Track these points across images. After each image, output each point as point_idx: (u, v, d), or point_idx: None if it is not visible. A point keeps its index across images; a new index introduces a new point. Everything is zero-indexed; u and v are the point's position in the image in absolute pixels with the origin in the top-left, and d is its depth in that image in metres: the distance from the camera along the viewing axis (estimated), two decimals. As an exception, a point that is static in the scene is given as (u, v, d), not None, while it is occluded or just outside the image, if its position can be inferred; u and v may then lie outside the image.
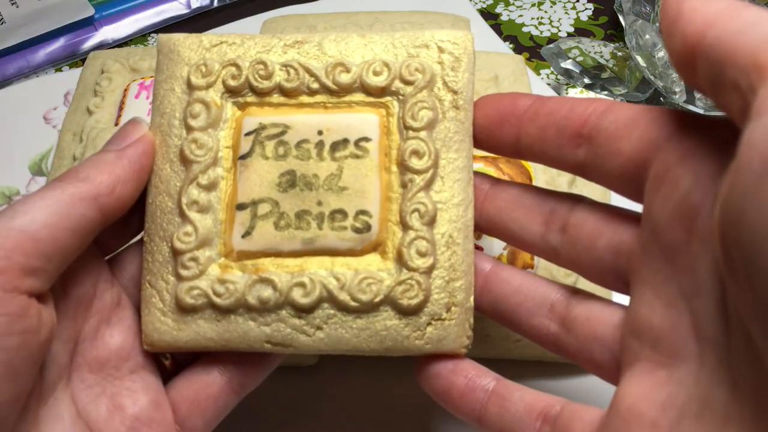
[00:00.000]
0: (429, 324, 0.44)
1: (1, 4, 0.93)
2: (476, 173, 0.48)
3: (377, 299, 0.44)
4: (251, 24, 0.89)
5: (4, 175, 0.76)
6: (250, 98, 0.47)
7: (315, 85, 0.47)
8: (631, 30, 0.78)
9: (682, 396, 0.37)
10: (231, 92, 0.47)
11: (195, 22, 0.96)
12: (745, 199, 0.30)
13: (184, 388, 0.46)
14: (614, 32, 0.93)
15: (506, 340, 0.60)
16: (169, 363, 0.48)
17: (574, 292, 0.46)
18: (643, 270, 0.41)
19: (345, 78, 0.46)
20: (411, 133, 0.45)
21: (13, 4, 0.93)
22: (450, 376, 0.46)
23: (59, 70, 0.91)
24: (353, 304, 0.44)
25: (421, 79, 0.46)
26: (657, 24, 0.81)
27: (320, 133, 0.46)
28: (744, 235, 0.30)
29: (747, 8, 0.34)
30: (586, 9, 0.96)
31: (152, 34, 0.95)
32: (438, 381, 0.46)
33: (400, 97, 0.46)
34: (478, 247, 0.60)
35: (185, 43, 0.48)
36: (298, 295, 0.44)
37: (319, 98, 0.47)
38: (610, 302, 0.45)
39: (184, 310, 0.45)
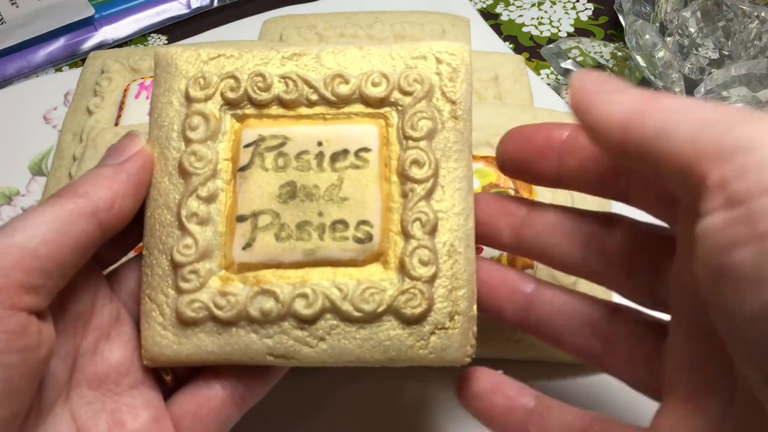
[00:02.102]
0: (432, 333, 0.44)
1: (1, 4, 0.93)
2: (512, 197, 0.48)
3: (380, 309, 0.44)
4: (251, 24, 0.89)
5: (4, 175, 0.76)
6: (249, 110, 0.47)
7: (314, 97, 0.46)
8: (631, 30, 0.78)
9: (710, 430, 0.37)
10: (230, 104, 0.47)
11: (195, 22, 0.96)
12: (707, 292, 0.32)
13: (185, 403, 0.46)
14: (614, 32, 0.92)
15: (506, 340, 0.60)
16: (170, 378, 0.48)
17: (615, 309, 0.46)
18: (678, 300, 0.41)
19: (344, 89, 0.46)
20: (411, 143, 0.45)
21: (13, 4, 0.93)
22: (489, 397, 0.46)
23: (59, 70, 0.91)
24: (356, 314, 0.44)
25: (420, 89, 0.46)
26: (657, 24, 0.81)
27: (320, 144, 0.46)
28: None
29: (658, 99, 0.35)
30: (586, 9, 0.96)
31: (152, 34, 0.95)
32: (478, 402, 0.47)
33: (399, 107, 0.46)
34: (478, 247, 0.60)
35: (183, 56, 0.48)
36: (300, 306, 0.44)
37: (318, 110, 0.47)
38: (651, 322, 0.45)
39: (184, 323, 0.45)
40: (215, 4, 0.97)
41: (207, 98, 0.46)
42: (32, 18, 0.92)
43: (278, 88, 0.47)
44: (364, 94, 0.46)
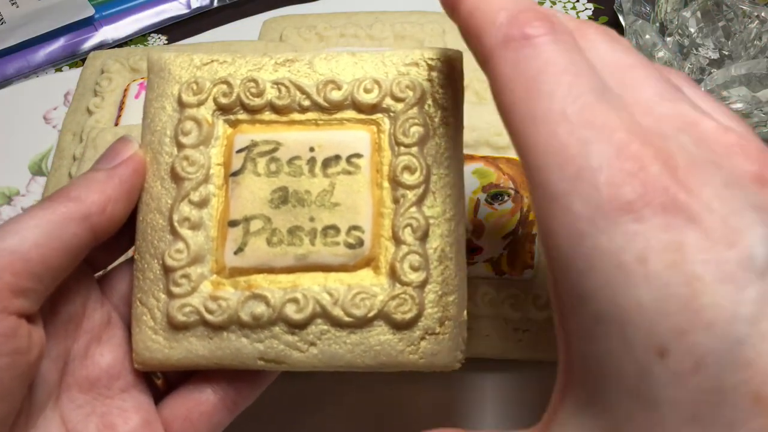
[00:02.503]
0: (423, 338, 0.44)
1: (1, 4, 0.93)
2: None
3: (371, 314, 0.44)
4: (251, 24, 0.89)
5: (4, 175, 0.76)
6: (242, 116, 0.47)
7: (306, 103, 0.47)
8: (631, 30, 0.78)
9: None
10: (222, 110, 0.47)
11: (195, 22, 0.96)
12: None
13: (176, 407, 0.46)
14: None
15: (506, 340, 0.60)
16: (161, 382, 0.49)
17: None
18: None
19: (336, 95, 0.46)
20: (402, 149, 0.45)
21: (13, 4, 0.93)
22: None
23: (59, 70, 0.91)
24: (347, 319, 0.44)
25: (412, 96, 0.46)
26: (657, 24, 0.81)
27: (312, 149, 0.46)
28: None
29: None
30: (586, 9, 0.95)
31: (152, 34, 0.95)
32: None
33: (391, 114, 0.46)
34: (478, 247, 0.61)
35: (176, 61, 0.48)
36: (291, 311, 0.44)
37: (310, 115, 0.47)
38: None
39: (175, 327, 0.45)
40: (215, 4, 0.97)
41: (200, 103, 0.47)
42: (32, 18, 0.92)
43: (271, 93, 0.47)
44: (356, 101, 0.46)
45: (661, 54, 0.75)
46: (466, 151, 0.60)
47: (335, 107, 0.47)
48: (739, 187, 0.31)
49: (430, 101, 0.46)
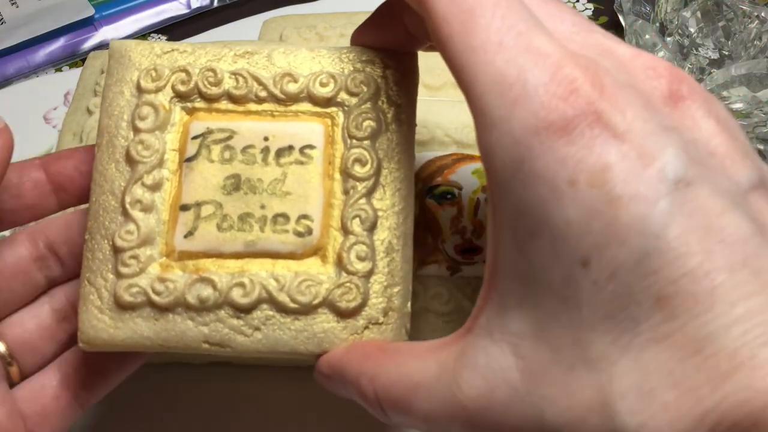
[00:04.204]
0: (366, 327, 0.45)
1: (1, 4, 0.94)
2: None
3: (316, 301, 0.45)
4: (251, 24, 0.89)
5: (4, 176, 0.77)
6: (199, 103, 0.48)
7: (263, 94, 0.48)
8: (631, 30, 0.79)
9: None
10: (180, 97, 0.48)
11: (195, 22, 0.97)
12: None
13: (28, 396, 0.48)
14: (614, 32, 0.92)
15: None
16: (16, 370, 0.49)
17: None
18: None
19: (292, 87, 0.47)
20: (354, 142, 0.46)
21: (13, 4, 0.94)
22: None
23: (59, 70, 0.92)
24: (292, 305, 0.45)
25: (366, 91, 0.47)
26: (657, 24, 0.81)
27: (266, 139, 0.47)
28: None
29: None
30: (586, 9, 0.95)
31: (152, 34, 0.96)
32: None
33: (345, 108, 0.47)
34: (478, 247, 0.61)
35: (137, 49, 0.49)
36: (237, 295, 0.45)
37: (266, 106, 0.48)
38: None
39: (122, 307, 0.45)
40: (215, 4, 0.98)
41: (158, 90, 0.48)
42: (32, 18, 0.93)
43: (228, 83, 0.48)
44: (311, 94, 0.47)
45: (661, 54, 0.75)
46: (465, 151, 0.61)
47: (291, 99, 0.48)
48: (655, 109, 0.34)
49: (384, 98, 0.47)
